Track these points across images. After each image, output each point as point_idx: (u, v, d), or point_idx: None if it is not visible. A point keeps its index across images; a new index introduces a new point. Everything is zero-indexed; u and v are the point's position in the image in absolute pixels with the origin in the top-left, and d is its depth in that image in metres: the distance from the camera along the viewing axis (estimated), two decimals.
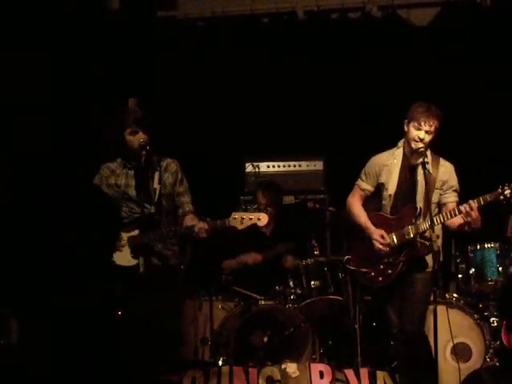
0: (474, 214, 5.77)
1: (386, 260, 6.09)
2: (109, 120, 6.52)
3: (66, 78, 7.97)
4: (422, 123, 5.94)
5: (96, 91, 8.19)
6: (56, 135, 7.78)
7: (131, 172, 6.28)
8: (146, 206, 6.17)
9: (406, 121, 6.07)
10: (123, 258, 6.13)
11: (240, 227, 5.97)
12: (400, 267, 6.06)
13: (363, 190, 6.32)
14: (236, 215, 5.96)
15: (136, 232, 6.16)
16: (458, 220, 5.95)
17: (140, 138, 6.19)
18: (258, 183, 7.89)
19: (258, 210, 6.23)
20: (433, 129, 5.96)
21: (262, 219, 5.94)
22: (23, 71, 7.54)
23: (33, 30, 7.65)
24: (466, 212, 5.79)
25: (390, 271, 6.08)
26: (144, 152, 6.07)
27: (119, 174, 6.30)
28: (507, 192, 5.74)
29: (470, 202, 5.80)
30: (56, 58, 7.87)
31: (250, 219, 5.95)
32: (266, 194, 7.52)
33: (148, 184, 6.24)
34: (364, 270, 6.21)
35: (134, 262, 6.11)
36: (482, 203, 5.77)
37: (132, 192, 6.23)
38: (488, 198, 5.78)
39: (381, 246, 6.08)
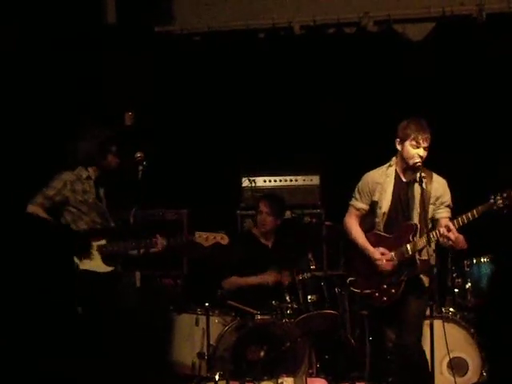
0: (453, 235, 5.83)
1: (388, 280, 6.08)
2: (92, 131, 6.56)
3: (62, 90, 7.98)
4: (421, 141, 5.95)
5: (92, 104, 8.20)
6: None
7: (91, 183, 6.43)
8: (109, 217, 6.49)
9: (398, 140, 6.08)
10: (95, 264, 6.28)
11: (205, 244, 6.52)
12: (403, 286, 6.05)
13: (358, 209, 6.31)
14: (199, 234, 6.53)
15: (103, 241, 6.34)
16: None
17: (116, 161, 6.48)
18: (260, 195, 7.90)
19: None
20: (428, 144, 5.99)
21: (224, 239, 6.55)
22: (20, 81, 7.59)
23: (29, 40, 7.68)
24: (444, 235, 5.86)
25: (393, 290, 6.06)
26: (141, 167, 6.13)
27: (84, 181, 6.42)
28: (499, 202, 5.78)
29: (449, 223, 5.87)
30: (52, 70, 7.89)
31: (214, 238, 6.53)
32: (268, 203, 7.53)
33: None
34: (368, 291, 6.18)
35: (108, 268, 6.33)
36: (466, 221, 5.84)
37: (97, 202, 6.44)
38: (475, 212, 5.81)
39: (384, 264, 6.08)
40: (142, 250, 6.44)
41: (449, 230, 5.82)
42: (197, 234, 6.51)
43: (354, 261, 6.36)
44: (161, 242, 6.48)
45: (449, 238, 5.84)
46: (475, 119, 8.19)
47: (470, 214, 5.83)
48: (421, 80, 8.23)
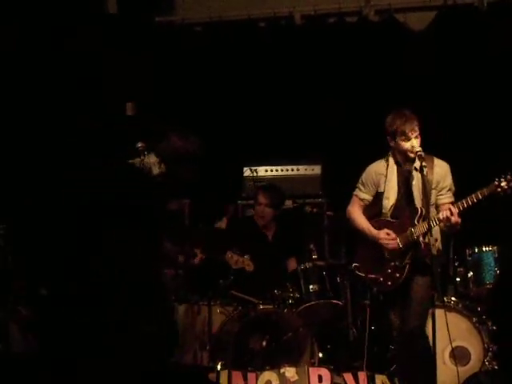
0: (454, 219, 5.81)
1: (392, 264, 6.08)
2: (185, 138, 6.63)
3: (61, 80, 7.98)
4: (409, 133, 5.94)
5: (91, 96, 8.20)
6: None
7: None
8: None
9: (388, 137, 6.06)
10: None
11: (234, 266, 6.95)
12: (407, 270, 6.05)
13: (362, 199, 6.30)
14: (231, 254, 6.90)
15: None
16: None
17: (188, 175, 6.71)
18: (259, 186, 7.89)
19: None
20: (418, 131, 5.97)
21: (250, 266, 6.93)
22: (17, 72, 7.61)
23: (28, 33, 7.69)
24: (445, 218, 5.83)
25: (397, 274, 6.07)
26: (142, 157, 6.14)
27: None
28: (504, 184, 5.74)
29: (451, 206, 5.85)
30: (52, 61, 7.89)
31: (242, 262, 6.92)
32: (266, 194, 7.54)
33: None
34: (372, 276, 6.19)
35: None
36: (470, 203, 5.81)
37: None
38: (479, 194, 5.79)
39: (390, 243, 6.08)
40: (183, 258, 6.73)
41: (451, 213, 5.82)
42: (229, 253, 6.84)
43: (359, 247, 6.36)
44: (199, 256, 6.80)
45: (449, 221, 5.83)
46: (478, 110, 8.17)
47: (474, 197, 5.79)
48: (422, 69, 8.20)
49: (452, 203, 5.99)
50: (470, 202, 5.82)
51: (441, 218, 5.87)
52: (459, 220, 5.86)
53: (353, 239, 6.46)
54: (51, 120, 7.85)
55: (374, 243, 6.16)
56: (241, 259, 6.80)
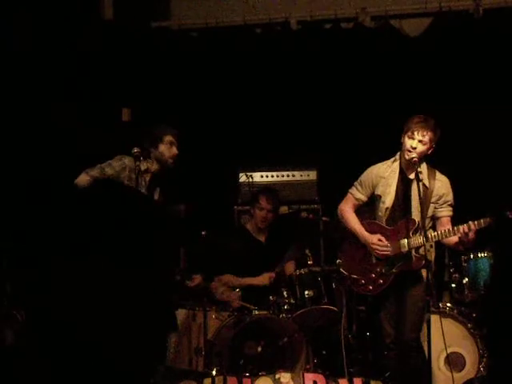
0: (471, 234, 5.80)
1: (378, 269, 6.09)
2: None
3: (60, 87, 7.98)
4: (415, 133, 5.94)
5: (89, 101, 8.20)
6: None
7: (148, 178, 6.45)
8: None
9: (402, 134, 6.08)
10: None
11: (218, 298, 7.11)
12: (392, 279, 6.05)
13: (357, 199, 6.29)
14: (216, 286, 7.10)
15: None
16: (453, 238, 5.96)
17: (173, 152, 6.46)
18: (260, 189, 7.86)
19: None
20: (426, 139, 5.95)
21: (236, 303, 7.06)
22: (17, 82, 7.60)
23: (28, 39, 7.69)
24: (465, 233, 5.81)
25: (381, 281, 6.08)
26: (138, 162, 6.12)
27: (141, 174, 6.35)
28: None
29: (470, 223, 5.81)
30: (50, 67, 7.89)
31: (229, 296, 7.08)
32: (269, 199, 7.52)
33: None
34: (355, 276, 6.20)
35: None
36: (483, 225, 5.78)
37: None
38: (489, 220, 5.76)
39: (382, 250, 6.08)
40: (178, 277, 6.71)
41: (469, 228, 5.80)
42: (214, 284, 7.12)
43: (346, 244, 6.38)
44: (198, 279, 6.77)
45: (467, 237, 5.80)
46: (474, 116, 8.16)
47: (476, 223, 5.79)
48: (418, 75, 8.22)
49: (450, 217, 6.01)
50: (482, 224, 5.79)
51: (461, 230, 5.82)
52: (474, 237, 5.84)
53: (344, 235, 6.46)
54: (50, 123, 7.86)
55: (363, 245, 6.16)
56: (227, 293, 6.88)
